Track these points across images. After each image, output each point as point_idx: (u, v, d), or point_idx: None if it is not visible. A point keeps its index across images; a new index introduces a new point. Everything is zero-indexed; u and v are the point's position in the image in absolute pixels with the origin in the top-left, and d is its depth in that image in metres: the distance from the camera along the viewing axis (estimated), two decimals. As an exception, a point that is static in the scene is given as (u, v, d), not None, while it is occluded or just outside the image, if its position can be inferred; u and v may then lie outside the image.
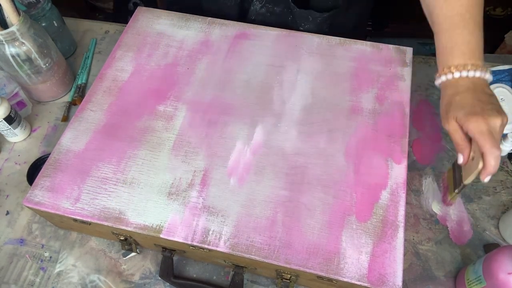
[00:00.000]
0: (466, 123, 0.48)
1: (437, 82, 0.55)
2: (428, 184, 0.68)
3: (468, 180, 0.51)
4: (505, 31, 1.40)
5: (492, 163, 0.47)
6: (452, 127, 0.51)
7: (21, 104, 0.78)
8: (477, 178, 0.68)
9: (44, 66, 0.73)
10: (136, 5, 1.29)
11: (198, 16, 0.76)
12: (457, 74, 0.52)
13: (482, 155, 0.47)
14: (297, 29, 0.75)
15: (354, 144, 0.61)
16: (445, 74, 0.53)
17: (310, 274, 0.52)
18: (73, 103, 0.79)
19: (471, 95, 0.50)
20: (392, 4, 1.54)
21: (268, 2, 0.76)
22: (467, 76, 0.51)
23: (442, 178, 0.61)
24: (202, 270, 0.62)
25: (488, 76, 0.52)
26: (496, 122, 0.47)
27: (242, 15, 0.79)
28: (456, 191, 0.54)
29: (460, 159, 0.52)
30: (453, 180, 0.55)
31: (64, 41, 0.84)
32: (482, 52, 0.53)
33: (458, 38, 0.53)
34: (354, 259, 0.52)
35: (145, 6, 0.80)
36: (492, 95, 0.51)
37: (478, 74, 0.51)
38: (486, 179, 0.48)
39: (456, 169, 0.54)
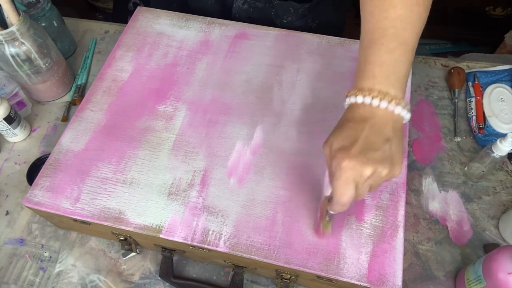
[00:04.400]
0: (334, 159, 0.42)
1: (344, 104, 0.46)
2: (428, 184, 0.68)
3: (332, 209, 0.47)
4: (505, 31, 1.40)
5: (336, 208, 0.44)
6: (325, 153, 0.45)
7: (21, 104, 0.78)
8: (477, 179, 0.68)
9: (44, 66, 0.73)
10: (136, 5, 1.29)
11: (198, 16, 0.76)
12: (359, 99, 0.43)
13: (333, 193, 0.44)
14: (281, 22, 0.75)
15: (354, 144, 0.61)
16: (349, 96, 0.45)
17: (310, 274, 0.52)
18: (73, 103, 0.79)
19: (361, 130, 0.42)
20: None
21: None
22: (370, 104, 0.43)
23: (319, 207, 0.53)
24: (202, 270, 0.62)
25: (400, 111, 0.42)
26: (366, 171, 0.41)
27: (225, 12, 0.79)
28: (327, 218, 0.50)
29: (327, 191, 0.47)
30: (326, 209, 0.50)
31: (64, 41, 0.84)
32: (403, 79, 0.44)
33: (373, 57, 0.44)
34: (354, 259, 0.52)
35: (145, 6, 0.80)
36: (391, 140, 0.42)
37: (384, 105, 0.42)
38: (331, 211, 0.47)
39: (328, 198, 0.49)
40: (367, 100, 0.43)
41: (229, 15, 0.79)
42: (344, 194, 0.42)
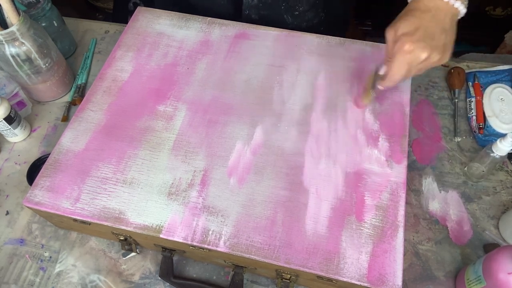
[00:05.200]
0: (398, 42, 0.49)
1: None
2: (428, 184, 0.68)
3: (381, 84, 0.55)
4: (505, 31, 1.40)
5: (387, 84, 0.53)
6: (389, 37, 0.51)
7: (21, 104, 0.78)
8: (477, 179, 0.68)
9: (44, 66, 0.73)
10: (136, 5, 1.29)
11: (198, 16, 0.76)
12: None
13: (388, 71, 0.51)
14: (292, 15, 0.75)
15: (354, 144, 0.61)
16: None
17: (310, 274, 0.52)
18: (73, 103, 0.79)
19: (424, 20, 0.49)
20: (392, 4, 1.54)
21: None
22: None
23: (365, 81, 0.63)
24: (202, 270, 0.62)
25: (459, 5, 0.49)
26: (421, 55, 0.48)
27: (235, 9, 0.79)
28: (372, 92, 0.59)
29: (382, 71, 0.55)
30: (372, 84, 0.59)
31: (64, 41, 0.84)
32: None
33: None
34: (354, 259, 0.52)
35: (145, 6, 0.80)
36: (447, 31, 0.49)
37: None
38: (381, 88, 0.55)
39: (376, 76, 0.58)
40: None
41: (239, 12, 0.79)
42: (399, 72, 0.50)
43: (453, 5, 0.49)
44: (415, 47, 0.47)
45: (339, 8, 0.83)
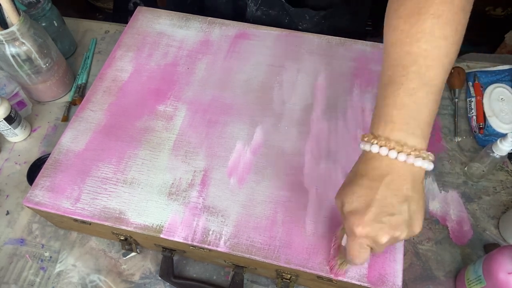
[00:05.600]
0: (346, 221, 0.40)
1: (359, 146, 0.42)
2: (428, 184, 0.68)
3: (348, 262, 0.45)
4: (505, 31, 1.40)
5: (354, 264, 0.42)
6: (338, 207, 0.42)
7: (21, 104, 0.78)
8: (477, 179, 0.68)
9: (44, 66, 0.73)
10: (136, 5, 1.29)
11: (198, 16, 0.76)
12: (375, 149, 0.39)
13: (347, 251, 0.41)
14: (295, 29, 0.75)
15: (354, 144, 0.61)
16: (364, 142, 0.40)
17: (310, 274, 0.52)
18: (73, 103, 0.79)
19: (375, 190, 0.38)
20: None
21: (262, 5, 0.75)
22: (387, 156, 0.38)
23: (334, 236, 0.50)
24: (202, 270, 0.62)
25: (421, 164, 0.38)
26: (381, 239, 0.38)
27: (239, 16, 0.79)
28: (342, 260, 0.48)
29: (344, 241, 0.45)
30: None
31: (64, 41, 0.84)
32: (426, 124, 0.39)
33: (391, 98, 0.39)
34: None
35: (145, 6, 0.80)
36: (411, 197, 0.38)
37: (402, 158, 0.37)
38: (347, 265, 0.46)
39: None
40: (384, 151, 0.38)
41: (242, 19, 0.79)
42: (359, 257, 0.40)
43: (413, 164, 0.38)
44: (369, 231, 0.38)
45: (347, 25, 0.78)
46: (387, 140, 0.38)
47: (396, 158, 0.38)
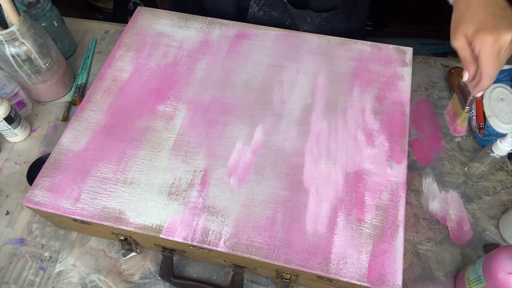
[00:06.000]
0: (475, 39, 0.47)
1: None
2: (428, 184, 0.68)
3: (477, 90, 0.51)
4: (505, 31, 1.40)
5: (486, 83, 0.49)
6: (460, 44, 0.50)
7: (21, 104, 0.78)
8: (477, 179, 0.68)
9: (44, 66, 0.73)
10: (136, 5, 1.29)
11: (198, 16, 0.76)
12: None
13: (480, 74, 0.49)
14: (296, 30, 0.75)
15: (354, 144, 0.61)
16: None
17: (310, 274, 0.52)
18: (73, 103, 0.79)
19: (483, 9, 0.48)
20: (392, 4, 1.54)
21: (265, 5, 0.75)
22: None
23: (446, 112, 0.61)
24: (202, 270, 0.62)
25: None
26: (507, 37, 0.46)
27: (241, 15, 0.79)
28: (467, 108, 0.55)
29: (466, 76, 0.52)
30: (460, 103, 0.56)
31: (64, 41, 0.84)
32: None
33: None
34: (354, 259, 0.52)
35: (145, 6, 0.80)
36: (506, 8, 0.49)
37: None
38: (478, 94, 0.51)
39: (460, 91, 0.55)
40: None
41: (244, 20, 0.79)
42: (494, 66, 0.47)
43: None
44: (498, 34, 0.46)
45: (347, 26, 0.80)
46: None
47: None
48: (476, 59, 0.49)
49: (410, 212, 0.66)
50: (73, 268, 0.62)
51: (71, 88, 0.81)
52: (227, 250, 0.52)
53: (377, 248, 0.52)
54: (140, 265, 0.63)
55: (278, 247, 0.53)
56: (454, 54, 0.54)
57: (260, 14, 0.77)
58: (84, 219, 0.55)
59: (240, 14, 0.80)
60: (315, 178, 0.58)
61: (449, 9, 0.54)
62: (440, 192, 0.68)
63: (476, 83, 0.51)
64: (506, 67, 0.78)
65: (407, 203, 0.59)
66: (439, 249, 0.63)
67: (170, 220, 0.55)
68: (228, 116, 0.64)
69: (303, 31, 0.76)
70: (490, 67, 0.48)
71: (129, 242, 0.60)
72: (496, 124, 0.72)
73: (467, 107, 0.55)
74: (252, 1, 0.76)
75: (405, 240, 0.54)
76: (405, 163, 0.59)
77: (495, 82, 0.77)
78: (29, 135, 0.76)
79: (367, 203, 0.56)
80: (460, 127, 0.57)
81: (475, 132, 0.73)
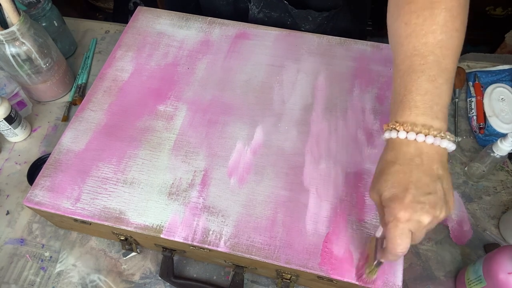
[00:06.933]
0: (386, 208, 0.40)
1: (383, 137, 0.44)
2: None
3: (384, 258, 0.44)
4: (505, 31, 1.40)
5: (391, 259, 0.42)
6: (374, 200, 0.43)
7: (21, 104, 0.78)
8: (477, 179, 0.68)
9: (44, 66, 0.73)
10: (136, 5, 1.29)
11: (198, 16, 0.76)
12: (402, 135, 0.41)
13: (387, 244, 0.41)
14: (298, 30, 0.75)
15: (354, 144, 0.61)
16: (389, 130, 0.42)
17: (310, 274, 0.52)
18: (73, 103, 0.79)
19: (409, 173, 0.39)
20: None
21: (265, 7, 0.75)
22: (415, 140, 0.40)
23: (366, 249, 0.52)
24: (202, 270, 0.62)
25: (447, 144, 0.40)
26: (423, 219, 0.38)
27: (238, 15, 0.79)
28: (375, 262, 0.46)
29: (379, 233, 0.46)
30: (374, 252, 0.47)
31: (64, 41, 0.84)
32: (446, 109, 0.42)
33: (413, 85, 0.41)
34: (354, 259, 0.52)
35: (145, 6, 0.80)
36: (441, 176, 0.40)
37: (430, 140, 0.40)
38: (382, 260, 0.44)
39: (378, 240, 0.47)
40: (411, 135, 0.40)
41: (242, 21, 0.79)
42: (401, 245, 0.39)
43: (440, 145, 0.40)
44: (411, 213, 0.38)
45: (349, 26, 0.79)
46: (414, 125, 0.40)
47: (424, 141, 0.40)
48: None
49: (410, 212, 0.66)
50: (73, 268, 0.62)
51: (71, 88, 0.81)
52: (227, 250, 0.53)
53: (377, 248, 0.52)
54: (140, 265, 0.63)
55: (278, 247, 0.53)
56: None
57: (261, 16, 0.77)
58: (85, 219, 0.55)
59: (237, 15, 0.80)
60: (315, 178, 0.58)
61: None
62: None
63: (384, 250, 0.42)
64: (506, 67, 0.78)
65: (407, 203, 0.59)
66: (439, 249, 0.63)
67: (170, 220, 0.55)
68: (228, 116, 0.64)
69: (305, 30, 0.76)
70: (396, 246, 0.39)
71: (129, 242, 0.60)
72: (496, 124, 0.72)
73: (375, 264, 0.46)
74: (252, 4, 0.76)
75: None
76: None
77: (495, 82, 0.77)
78: (29, 135, 0.76)
79: (367, 203, 0.56)
80: (367, 277, 0.48)
81: (475, 132, 0.73)
